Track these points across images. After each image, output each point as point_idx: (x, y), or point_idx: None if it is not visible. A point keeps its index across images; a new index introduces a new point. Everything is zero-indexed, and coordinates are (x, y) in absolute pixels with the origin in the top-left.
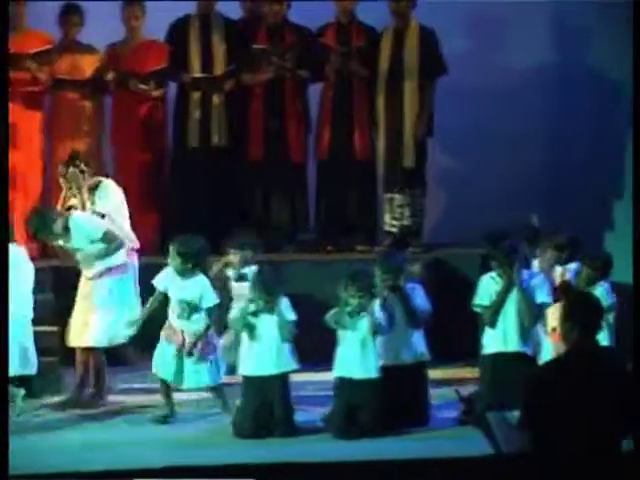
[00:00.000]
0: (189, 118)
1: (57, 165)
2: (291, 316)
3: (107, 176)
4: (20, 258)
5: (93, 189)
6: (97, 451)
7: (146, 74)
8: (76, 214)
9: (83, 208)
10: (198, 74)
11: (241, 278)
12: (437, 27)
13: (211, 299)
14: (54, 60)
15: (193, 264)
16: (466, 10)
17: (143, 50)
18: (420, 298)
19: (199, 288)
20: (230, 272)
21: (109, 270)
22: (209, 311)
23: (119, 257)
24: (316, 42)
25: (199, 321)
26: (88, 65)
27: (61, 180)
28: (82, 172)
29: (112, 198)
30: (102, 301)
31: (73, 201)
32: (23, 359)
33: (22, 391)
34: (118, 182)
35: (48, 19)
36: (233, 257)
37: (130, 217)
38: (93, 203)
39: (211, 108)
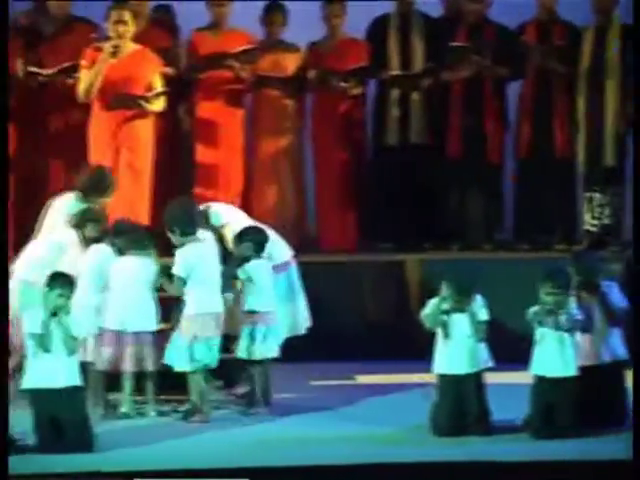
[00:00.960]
0: (388, 116)
1: (260, 162)
2: (484, 316)
3: None
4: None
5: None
6: (284, 449)
7: (346, 72)
8: (215, 206)
9: None
10: (397, 71)
11: None
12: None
13: None
14: (257, 59)
15: None
16: None
17: (344, 48)
18: (616, 296)
19: None
20: None
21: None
22: None
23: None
24: (516, 40)
25: None
26: (291, 63)
27: None
28: None
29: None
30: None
31: None
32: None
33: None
34: (318, 179)
35: (249, 18)
36: None
37: (328, 214)
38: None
39: (410, 106)
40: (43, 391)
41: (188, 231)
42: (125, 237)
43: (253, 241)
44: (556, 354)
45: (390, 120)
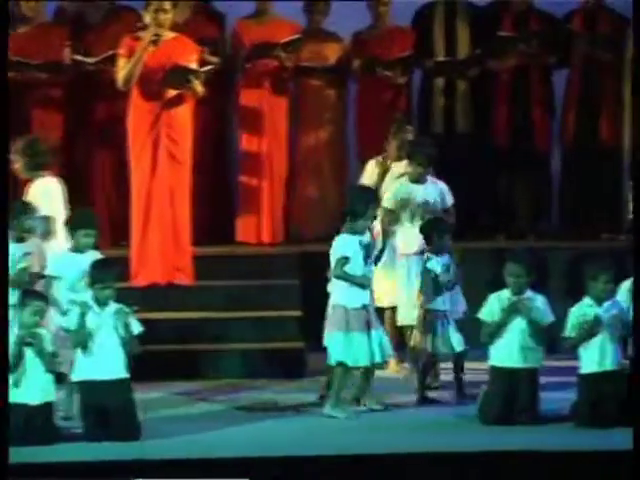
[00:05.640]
0: (434, 105)
1: (303, 152)
2: (549, 317)
3: None
4: None
5: None
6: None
7: (392, 60)
8: None
9: None
10: (442, 58)
11: None
12: None
13: None
14: (301, 48)
15: None
16: None
17: (389, 36)
18: None
19: None
20: None
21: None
22: None
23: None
24: (562, 28)
25: None
26: (332, 52)
27: None
28: None
29: None
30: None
31: None
32: None
33: None
34: (362, 169)
35: (293, 6)
36: None
37: None
38: None
39: (456, 94)
40: (93, 382)
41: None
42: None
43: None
44: (605, 346)
45: (436, 109)
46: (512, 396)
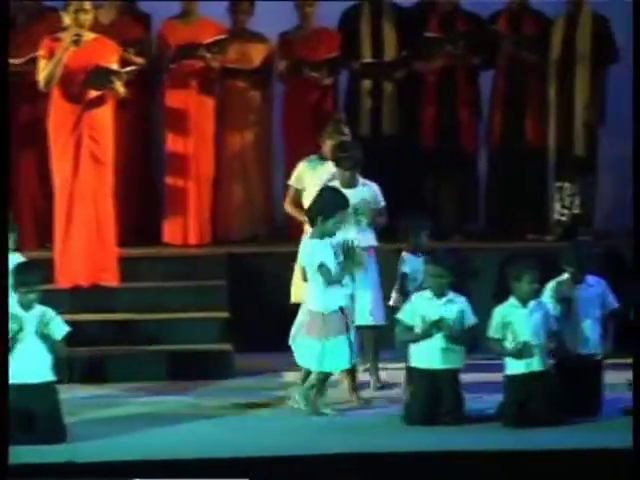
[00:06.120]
0: (360, 106)
1: (228, 153)
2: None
3: None
4: None
5: None
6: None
7: (318, 61)
8: None
9: None
10: (369, 60)
11: None
12: (609, 13)
13: None
14: (228, 49)
15: None
16: None
17: (315, 37)
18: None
19: None
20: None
21: None
22: None
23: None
24: (488, 29)
25: None
26: (258, 53)
27: None
28: None
29: None
30: None
31: None
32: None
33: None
34: (288, 170)
35: (219, 7)
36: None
37: None
38: None
39: (383, 96)
40: (19, 386)
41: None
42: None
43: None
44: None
45: (362, 110)
46: (435, 397)
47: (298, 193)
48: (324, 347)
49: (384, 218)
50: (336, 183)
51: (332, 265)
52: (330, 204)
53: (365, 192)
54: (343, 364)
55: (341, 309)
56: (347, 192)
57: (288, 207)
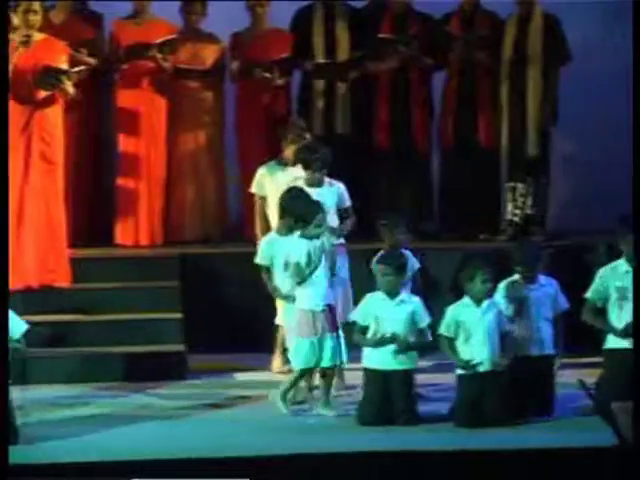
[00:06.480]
0: (313, 107)
1: (181, 154)
2: (425, 320)
3: None
4: None
5: None
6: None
7: (270, 62)
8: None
9: None
10: (322, 60)
11: None
12: (561, 13)
13: None
14: (178, 49)
15: None
16: None
17: (268, 38)
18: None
19: None
20: None
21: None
22: None
23: None
24: (440, 30)
25: None
26: (210, 54)
27: None
28: None
29: None
30: None
31: None
32: None
33: None
34: (241, 170)
35: (171, 8)
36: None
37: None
38: None
39: (335, 96)
40: None
41: None
42: None
43: None
44: (484, 347)
45: (315, 111)
46: (388, 398)
47: (263, 202)
48: (318, 345)
49: (352, 219)
50: (300, 183)
51: (304, 262)
52: (310, 208)
53: (329, 192)
54: (333, 360)
55: (329, 306)
56: (314, 191)
57: (259, 222)
